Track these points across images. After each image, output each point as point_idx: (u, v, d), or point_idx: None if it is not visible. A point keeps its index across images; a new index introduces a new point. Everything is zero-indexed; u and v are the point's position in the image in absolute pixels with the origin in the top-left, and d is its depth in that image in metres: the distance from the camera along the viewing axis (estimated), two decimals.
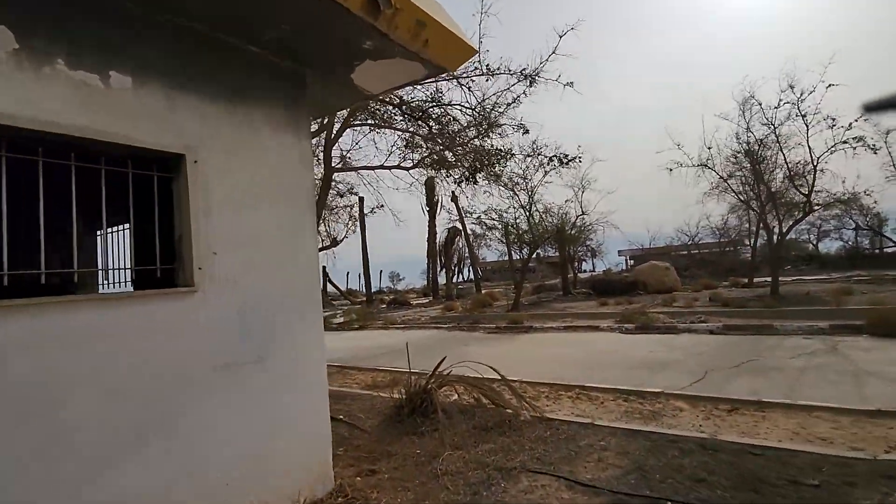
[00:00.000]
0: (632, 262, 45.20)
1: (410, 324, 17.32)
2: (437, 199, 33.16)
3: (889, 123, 11.82)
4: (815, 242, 38.07)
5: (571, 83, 5.71)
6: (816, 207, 12.95)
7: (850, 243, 35.23)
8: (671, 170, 14.83)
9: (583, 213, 24.69)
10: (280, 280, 2.85)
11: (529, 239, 17.02)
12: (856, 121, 11.13)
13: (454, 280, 44.18)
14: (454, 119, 6.28)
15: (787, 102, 11.94)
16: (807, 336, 8.95)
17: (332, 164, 6.61)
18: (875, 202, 17.50)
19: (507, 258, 26.87)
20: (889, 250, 31.95)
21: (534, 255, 23.41)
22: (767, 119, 12.47)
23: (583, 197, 24.45)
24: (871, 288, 13.28)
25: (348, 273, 56.99)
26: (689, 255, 36.64)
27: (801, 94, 11.56)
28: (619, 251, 48.57)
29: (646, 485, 2.95)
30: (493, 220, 17.36)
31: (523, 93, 6.09)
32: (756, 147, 13.42)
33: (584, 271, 47.08)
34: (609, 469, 3.23)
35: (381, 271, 63.30)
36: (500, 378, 4.76)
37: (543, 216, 17.64)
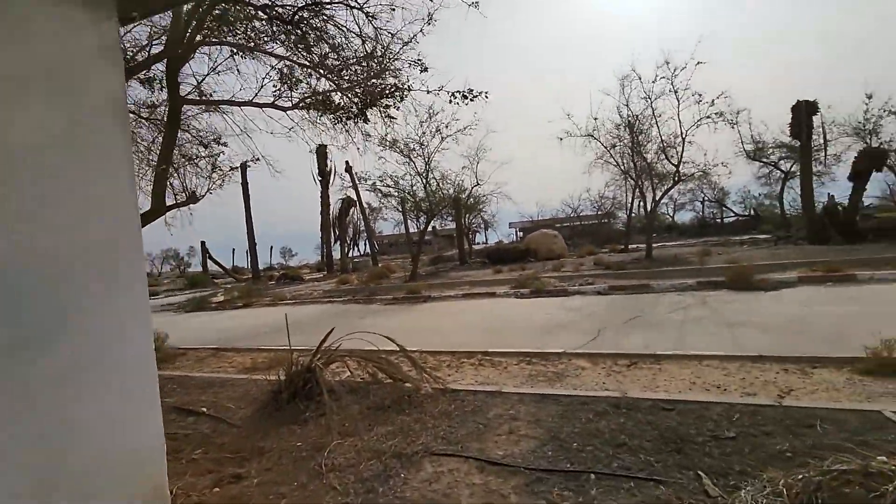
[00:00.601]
0: (521, 233, 47.55)
1: (302, 299, 16.07)
2: (331, 168, 31.31)
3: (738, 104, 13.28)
4: (671, 214, 43.12)
5: (477, 3, 5.08)
6: (684, 177, 14.32)
7: (700, 214, 40.45)
8: (562, 139, 15.36)
9: (478, 183, 25.05)
10: (68, 234, 1.91)
11: (426, 207, 16.58)
12: (717, 98, 12.36)
13: (350, 254, 42.71)
14: (340, 45, 5.36)
15: (663, 77, 12.89)
16: (679, 292, 9.74)
17: (183, 96, 5.31)
18: (730, 173, 19.93)
19: (404, 231, 26.32)
20: (729, 220, 37.40)
21: (430, 227, 23.20)
22: (646, 92, 13.38)
23: (478, 168, 24.80)
24: (723, 250, 15.11)
25: (234, 250, 52.29)
26: (573, 226, 39.32)
27: (675, 70, 12.52)
28: (510, 223, 50.83)
29: (564, 456, 2.60)
30: (389, 186, 16.58)
31: (428, 23, 5.35)
32: (634, 120, 14.35)
33: (478, 243, 48.47)
34: (522, 441, 2.85)
35: (271, 247, 59.08)
36: (398, 349, 4.19)
37: (440, 183, 17.28)
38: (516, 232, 50.18)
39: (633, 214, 22.17)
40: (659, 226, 39.12)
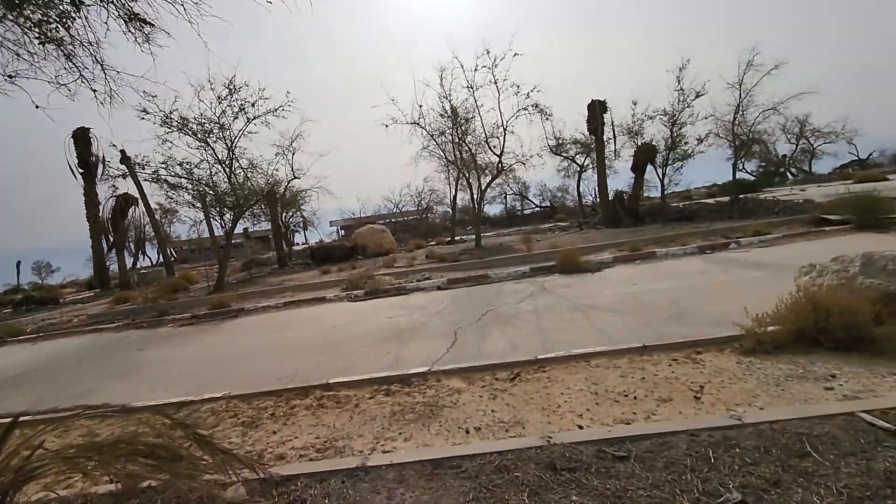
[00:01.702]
0: (342, 232, 45.67)
1: (51, 331, 11.72)
2: (98, 157, 24.62)
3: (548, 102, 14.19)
4: (482, 207, 46.56)
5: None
6: (505, 168, 14.82)
7: (507, 206, 44.42)
8: (387, 126, 14.34)
9: (295, 176, 22.47)
10: None
11: (232, 202, 13.75)
12: (533, 89, 12.93)
13: (137, 265, 34.83)
14: None
15: (484, 66, 12.94)
16: (517, 280, 9.61)
17: None
18: (544, 164, 21.65)
19: (207, 235, 22.03)
20: (528, 211, 41.96)
21: (241, 227, 19.84)
22: (468, 81, 13.28)
23: (293, 159, 22.22)
24: (540, 236, 16.16)
25: None
26: (396, 221, 39.21)
27: (495, 60, 12.65)
28: (330, 222, 48.39)
29: None
30: (179, 176, 13.21)
31: None
32: (456, 111, 14.22)
33: (297, 244, 44.93)
34: None
35: (18, 262, 44.97)
36: (174, 420, 2.43)
37: (248, 174, 14.57)
38: (338, 230, 48.05)
39: (457, 206, 22.56)
40: (472, 218, 41.64)
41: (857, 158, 48.17)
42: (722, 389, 3.02)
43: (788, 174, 47.11)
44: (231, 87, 13.27)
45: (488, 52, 12.63)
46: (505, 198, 43.28)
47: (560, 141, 20.25)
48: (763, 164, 44.79)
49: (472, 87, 13.35)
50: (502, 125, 13.41)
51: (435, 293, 9.48)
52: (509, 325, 5.90)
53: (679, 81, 16.50)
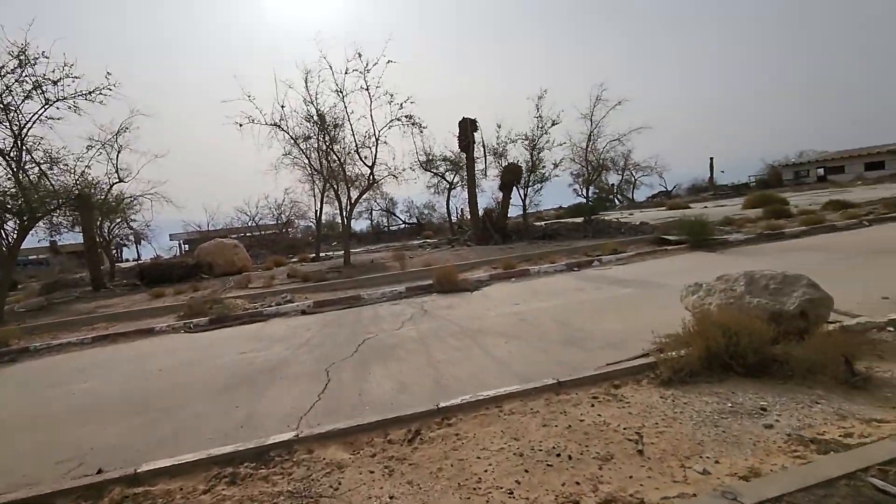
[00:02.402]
0: (186, 247, 39.81)
1: None
2: None
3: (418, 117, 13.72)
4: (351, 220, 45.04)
5: None
6: (379, 180, 13.97)
7: (373, 222, 43.48)
8: (241, 125, 12.42)
9: (119, 178, 18.62)
10: None
11: (19, 206, 10.44)
12: (407, 100, 12.39)
13: None
14: None
15: (356, 70, 12.02)
16: (394, 301, 8.79)
17: None
18: (417, 178, 21.23)
19: None
20: (394, 228, 41.66)
21: (48, 239, 15.52)
22: (338, 85, 12.20)
23: (118, 158, 18.40)
24: (412, 253, 15.57)
25: None
26: (252, 236, 35.55)
27: (367, 65, 11.83)
28: (171, 235, 41.92)
29: None
30: None
31: None
32: (324, 116, 13.01)
33: (126, 261, 38.05)
34: None
35: None
36: None
37: (46, 171, 11.33)
38: (180, 245, 41.82)
39: (322, 220, 20.96)
40: (338, 233, 39.74)
41: (664, 189, 58.50)
42: (661, 436, 2.58)
43: (616, 200, 54.74)
44: (22, 56, 10.21)
45: (360, 56, 11.80)
46: (371, 213, 42.38)
47: (430, 157, 20.19)
48: (597, 191, 51.32)
49: (341, 92, 12.31)
50: (374, 135, 12.60)
51: (299, 319, 8.15)
52: (393, 358, 5.03)
53: (538, 109, 17.62)
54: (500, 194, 16.95)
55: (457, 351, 5.03)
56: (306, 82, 12.62)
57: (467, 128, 15.70)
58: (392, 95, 12.34)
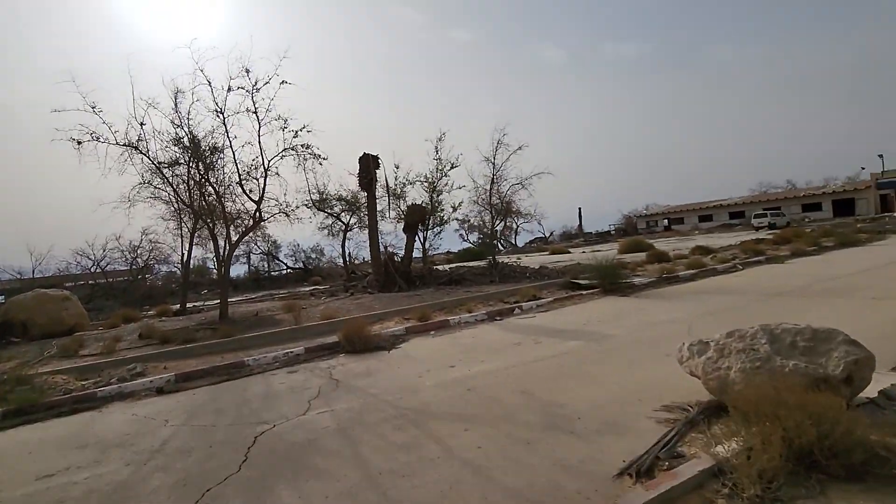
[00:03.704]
0: (1, 299, 31.52)
1: None
2: None
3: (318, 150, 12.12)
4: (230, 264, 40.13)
5: None
6: (267, 218, 11.80)
7: (251, 267, 39.18)
8: (80, 143, 9.57)
9: None
10: None
11: None
12: (303, 129, 10.78)
13: None
14: None
15: (241, 88, 10.13)
16: (290, 368, 6.90)
17: None
18: (312, 216, 19.20)
19: None
20: (276, 273, 37.96)
21: None
22: (218, 106, 10.15)
23: None
24: (306, 303, 13.44)
25: None
26: (94, 283, 29.42)
27: (256, 83, 10.02)
28: None
29: None
30: None
31: None
32: (198, 141, 10.77)
33: None
34: None
35: None
36: None
37: None
38: None
39: (190, 265, 17.67)
40: (209, 279, 34.90)
41: (542, 235, 62.99)
42: None
43: (500, 245, 57.16)
44: None
45: (248, 72, 10.03)
46: (249, 257, 38.26)
47: (324, 195, 18.39)
48: (481, 236, 52.90)
49: (221, 113, 10.29)
50: (263, 164, 10.68)
51: (153, 402, 5.87)
52: (308, 472, 3.37)
53: (437, 151, 17.17)
54: (402, 236, 15.83)
55: (403, 451, 3.54)
56: (175, 100, 10.41)
57: (369, 164, 14.47)
58: (286, 121, 10.67)
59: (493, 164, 16.06)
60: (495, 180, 16.13)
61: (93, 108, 9.54)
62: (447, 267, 20.82)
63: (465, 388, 4.94)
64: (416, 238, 16.27)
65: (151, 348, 9.02)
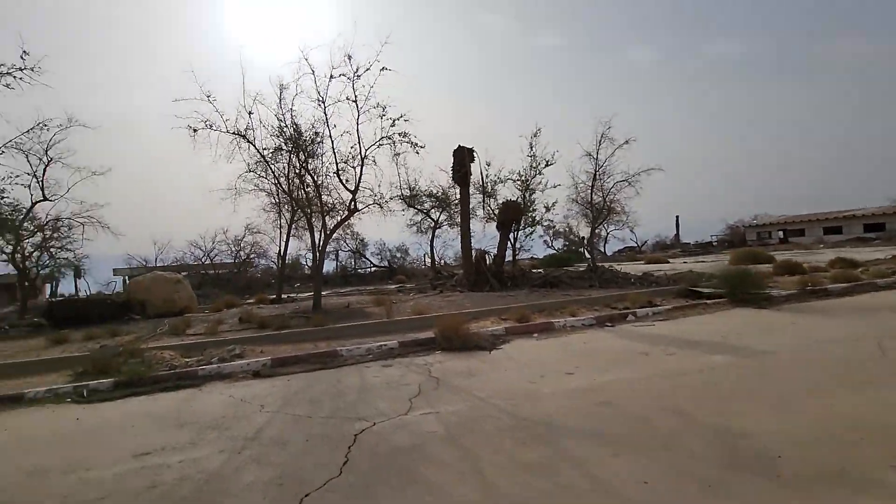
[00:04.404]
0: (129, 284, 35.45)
1: None
2: None
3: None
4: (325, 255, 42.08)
5: None
6: (362, 208, 11.79)
7: (339, 263, 40.62)
8: (196, 130, 10.12)
9: (45, 197, 15.73)
10: None
11: None
12: (400, 117, 10.53)
13: None
14: None
15: (343, 75, 10.12)
16: (385, 362, 6.42)
17: None
18: (405, 211, 19.33)
19: None
20: (362, 270, 38.93)
21: None
22: (320, 94, 10.23)
23: (46, 173, 15.56)
24: (394, 298, 13.22)
25: None
26: (204, 273, 32.13)
27: (357, 70, 9.96)
28: (114, 270, 37.50)
29: None
30: None
31: None
32: (300, 130, 10.96)
33: (62, 296, 33.37)
34: None
35: None
36: None
37: None
38: (125, 281, 37.38)
39: (287, 257, 18.38)
40: (302, 274, 36.72)
41: (634, 244, 58.83)
42: None
43: (587, 253, 54.21)
44: None
45: (349, 58, 9.96)
46: (338, 255, 39.68)
47: (414, 192, 18.25)
48: (567, 243, 50.40)
49: (323, 101, 10.33)
50: (360, 153, 10.55)
51: (249, 385, 5.65)
52: (417, 484, 2.73)
53: (532, 147, 16.17)
54: (489, 236, 15.13)
55: (535, 474, 2.78)
56: (280, 92, 10.61)
57: (464, 157, 13.94)
58: (384, 108, 10.45)
59: (596, 159, 14.78)
60: (598, 176, 14.82)
61: (207, 97, 10.01)
62: (541, 269, 19.70)
63: (598, 401, 4.06)
64: (509, 238, 15.41)
65: (250, 332, 9.12)
